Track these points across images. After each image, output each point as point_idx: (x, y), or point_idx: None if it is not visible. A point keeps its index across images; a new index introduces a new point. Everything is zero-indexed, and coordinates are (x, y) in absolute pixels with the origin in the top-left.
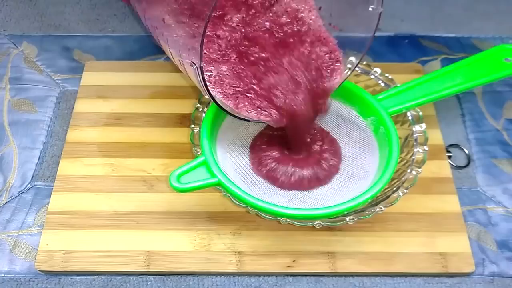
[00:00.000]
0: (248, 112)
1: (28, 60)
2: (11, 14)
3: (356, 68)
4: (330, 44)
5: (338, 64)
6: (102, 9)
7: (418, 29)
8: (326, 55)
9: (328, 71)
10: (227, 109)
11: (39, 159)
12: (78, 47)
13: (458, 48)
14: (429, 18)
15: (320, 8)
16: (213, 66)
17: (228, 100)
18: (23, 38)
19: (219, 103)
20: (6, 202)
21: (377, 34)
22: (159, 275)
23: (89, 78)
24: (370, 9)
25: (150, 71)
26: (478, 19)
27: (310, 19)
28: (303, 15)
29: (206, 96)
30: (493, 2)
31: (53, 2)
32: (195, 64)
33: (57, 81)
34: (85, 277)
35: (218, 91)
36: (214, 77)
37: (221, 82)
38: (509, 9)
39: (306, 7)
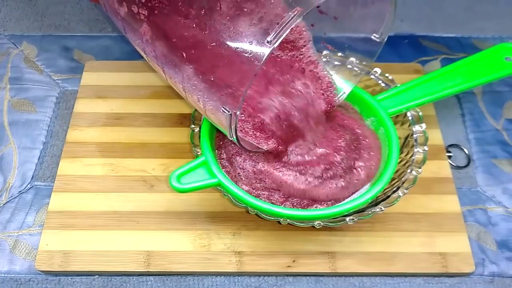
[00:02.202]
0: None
1: (28, 60)
2: (11, 14)
3: (356, 69)
4: (324, 77)
5: (331, 89)
6: (102, 9)
7: (418, 29)
8: (322, 86)
9: (324, 100)
10: (243, 145)
11: (39, 159)
12: (78, 47)
13: (458, 48)
14: (429, 18)
15: (312, 25)
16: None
17: (245, 135)
18: (23, 38)
19: (241, 141)
20: (6, 202)
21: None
22: (159, 275)
23: (89, 78)
24: (373, 37)
25: (150, 71)
26: (478, 19)
27: (306, 53)
28: (300, 50)
29: (231, 139)
30: (493, 2)
31: (53, 2)
32: (228, 112)
33: (57, 81)
34: (85, 277)
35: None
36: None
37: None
38: (509, 9)
39: (301, 41)
